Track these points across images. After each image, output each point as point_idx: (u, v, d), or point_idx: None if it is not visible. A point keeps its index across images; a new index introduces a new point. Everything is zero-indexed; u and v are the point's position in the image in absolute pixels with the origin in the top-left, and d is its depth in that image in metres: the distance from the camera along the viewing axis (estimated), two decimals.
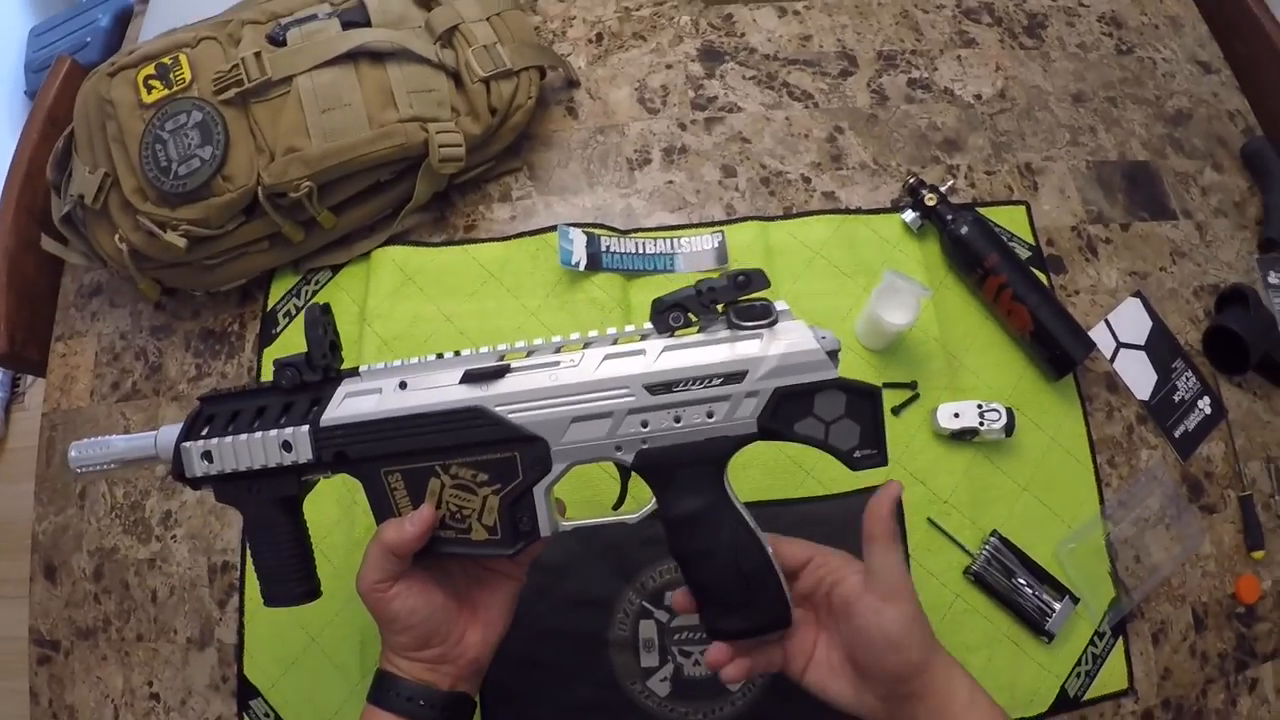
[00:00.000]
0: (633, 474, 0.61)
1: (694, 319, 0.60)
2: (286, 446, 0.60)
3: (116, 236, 0.91)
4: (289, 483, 0.62)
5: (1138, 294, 1.04)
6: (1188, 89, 1.21)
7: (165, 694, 0.88)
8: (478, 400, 0.59)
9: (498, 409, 0.59)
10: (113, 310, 1.04)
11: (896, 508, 0.62)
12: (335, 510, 0.89)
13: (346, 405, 0.61)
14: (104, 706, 0.89)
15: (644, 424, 0.59)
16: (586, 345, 0.61)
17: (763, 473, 0.90)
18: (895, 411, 0.94)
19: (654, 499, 0.61)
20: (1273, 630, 0.93)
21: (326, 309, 0.62)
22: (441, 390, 0.60)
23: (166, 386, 0.99)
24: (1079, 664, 0.87)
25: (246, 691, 0.86)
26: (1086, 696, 0.87)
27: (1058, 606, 0.87)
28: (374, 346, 0.95)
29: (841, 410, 0.59)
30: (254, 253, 0.96)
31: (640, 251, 0.99)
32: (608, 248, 0.98)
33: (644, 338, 0.60)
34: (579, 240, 0.98)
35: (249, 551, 0.64)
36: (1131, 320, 1.03)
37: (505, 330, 0.96)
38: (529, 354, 0.61)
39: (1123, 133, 1.15)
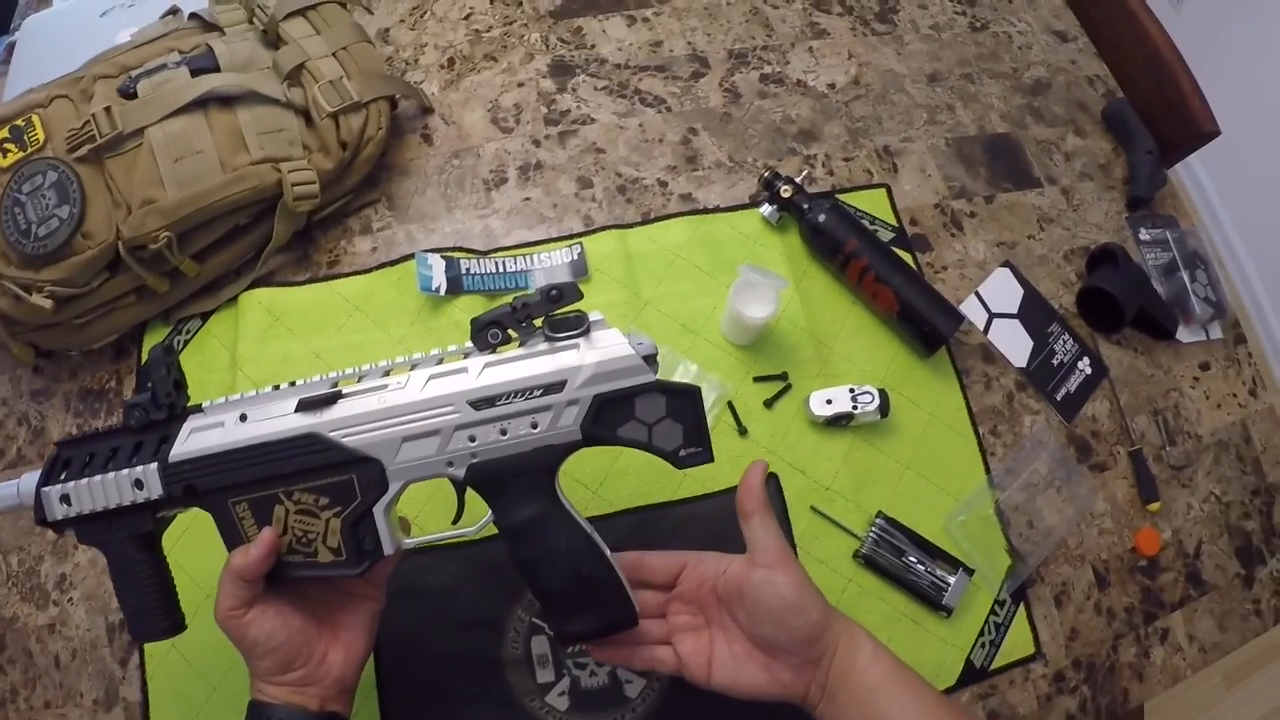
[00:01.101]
0: (468, 487, 0.63)
1: (513, 335, 0.62)
2: (138, 484, 0.62)
3: None
4: (144, 520, 0.63)
5: (1006, 263, 1.06)
6: (1045, 59, 1.23)
7: None
8: (311, 427, 0.61)
9: (331, 434, 0.61)
10: None
11: (766, 483, 0.65)
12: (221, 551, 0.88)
13: (192, 440, 0.62)
14: None
15: (472, 439, 0.61)
16: (413, 367, 0.63)
17: (640, 478, 0.89)
18: (768, 404, 0.94)
19: (490, 510, 0.63)
20: (1178, 579, 0.94)
21: (169, 349, 0.64)
22: (278, 420, 0.61)
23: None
24: (982, 634, 0.88)
25: None
26: (993, 665, 0.87)
27: (952, 580, 0.87)
28: (247, 389, 0.94)
29: (663, 412, 0.61)
30: (122, 307, 0.95)
31: (500, 270, 0.99)
32: (467, 270, 0.98)
33: (466, 355, 0.62)
34: (437, 266, 0.97)
35: (114, 590, 0.65)
36: (1002, 290, 1.04)
37: (373, 360, 0.95)
38: (359, 379, 0.63)
39: (981, 108, 1.16)
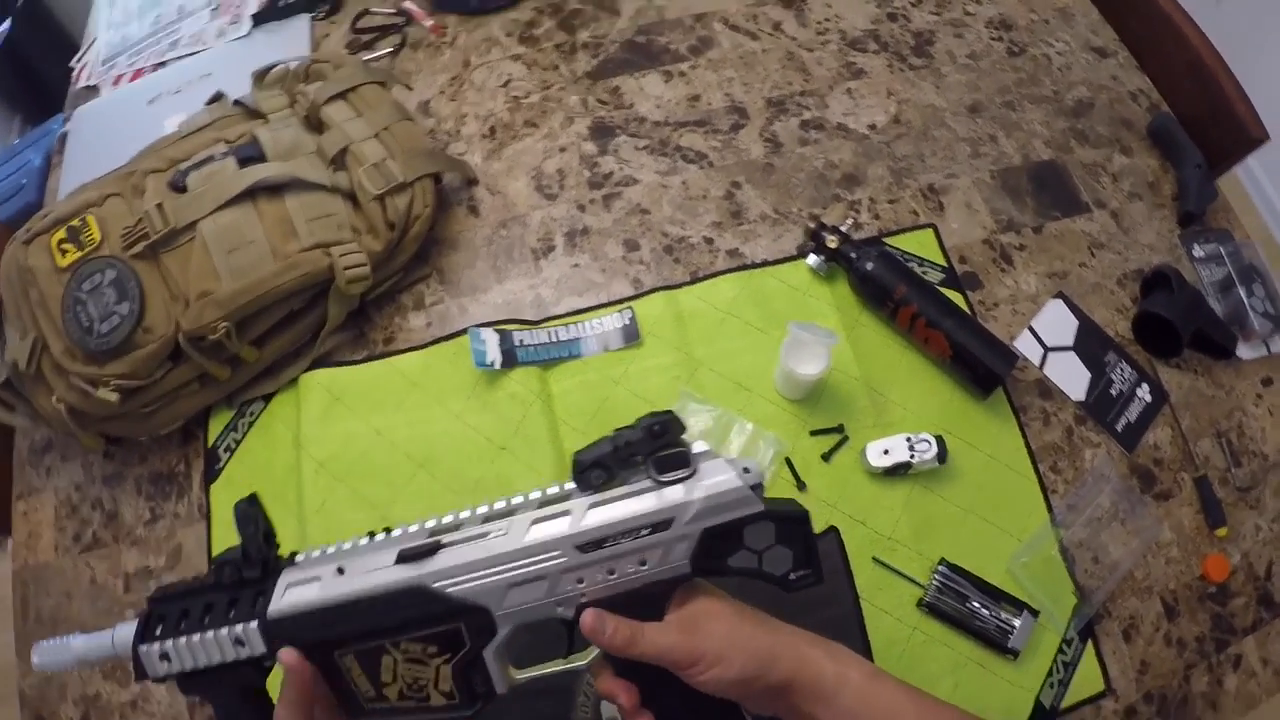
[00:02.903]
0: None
1: (615, 473, 0.61)
2: (239, 642, 0.60)
3: (54, 398, 0.93)
4: (250, 673, 0.62)
5: (1059, 294, 1.05)
6: (1086, 78, 1.21)
7: None
8: (415, 580, 0.59)
9: (435, 585, 0.59)
10: (65, 464, 1.06)
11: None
12: None
13: (289, 596, 0.61)
14: None
15: (579, 580, 0.59)
16: (513, 511, 0.61)
17: None
18: (825, 457, 0.94)
19: None
20: (1249, 603, 0.92)
21: (254, 500, 0.63)
22: (378, 573, 0.60)
23: (125, 532, 1.01)
24: (1050, 675, 0.87)
25: None
26: (1063, 705, 0.86)
27: (1018, 623, 0.87)
28: (311, 470, 0.96)
29: (772, 539, 0.60)
30: (186, 395, 0.98)
31: (553, 340, 1.00)
32: (520, 341, 1.00)
33: (568, 497, 0.61)
34: (491, 340, 0.99)
35: None
36: (1056, 322, 1.04)
37: (433, 436, 0.98)
38: (458, 527, 0.61)
39: (1024, 135, 1.16)
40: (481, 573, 0.59)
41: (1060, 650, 0.88)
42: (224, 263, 0.94)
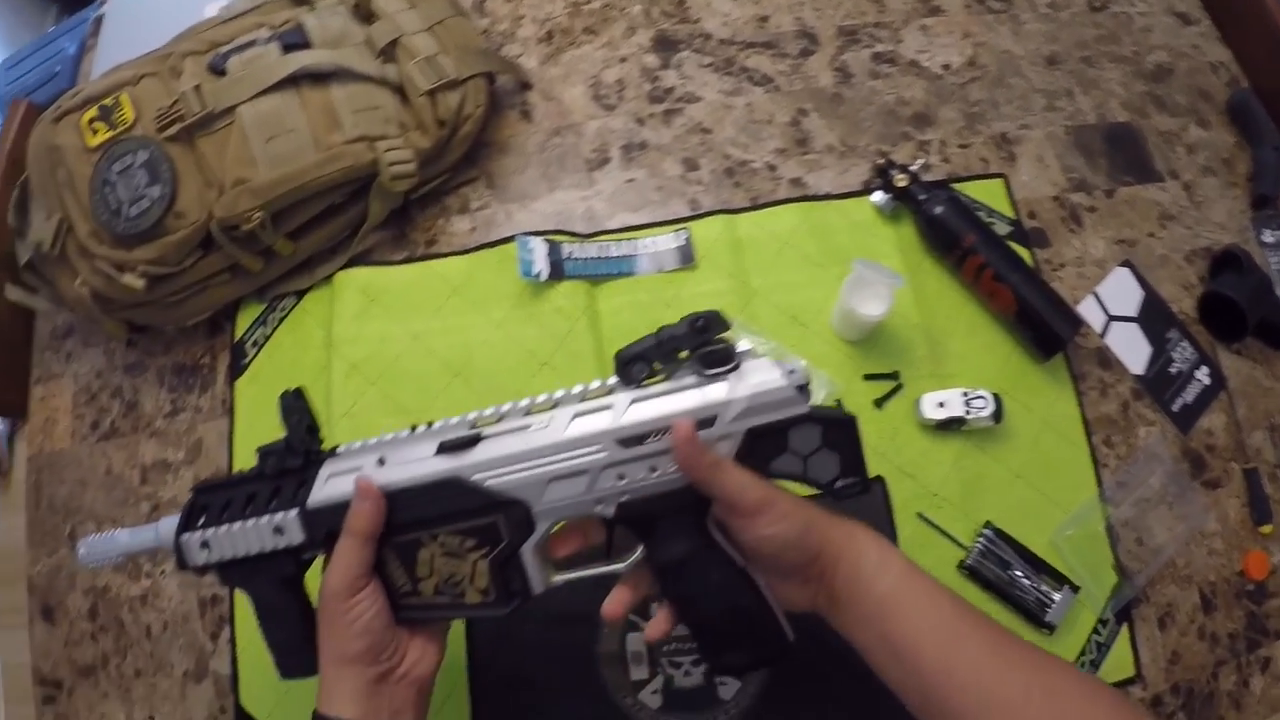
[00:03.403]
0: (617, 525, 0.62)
1: (658, 368, 0.60)
2: (278, 530, 0.62)
3: (78, 281, 0.91)
4: (287, 564, 0.64)
5: (1126, 263, 1.01)
6: (1167, 43, 1.17)
7: None
8: (454, 470, 0.60)
9: (475, 477, 0.59)
10: (87, 350, 1.04)
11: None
12: None
13: (330, 486, 0.62)
14: None
15: (620, 477, 0.59)
16: (555, 405, 0.61)
17: None
18: (878, 404, 0.91)
19: (640, 546, 0.62)
20: None
21: (300, 394, 0.65)
22: (418, 464, 0.61)
23: (144, 423, 0.98)
24: (1083, 654, 0.85)
25: None
26: None
27: (1057, 597, 0.84)
28: (342, 371, 0.93)
29: (818, 442, 0.59)
30: (216, 285, 0.95)
31: (603, 256, 0.97)
32: (569, 254, 0.96)
33: (610, 392, 0.60)
34: (539, 250, 0.95)
35: (259, 629, 0.65)
36: (1122, 291, 1.00)
37: (472, 345, 0.94)
38: (499, 419, 0.61)
39: (1101, 94, 1.11)
40: (521, 465, 0.59)
41: (1095, 630, 0.86)
42: (262, 150, 0.90)
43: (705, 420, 0.58)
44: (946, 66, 1.11)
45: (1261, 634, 0.88)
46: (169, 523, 0.65)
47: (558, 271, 0.95)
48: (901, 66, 1.11)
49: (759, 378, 0.58)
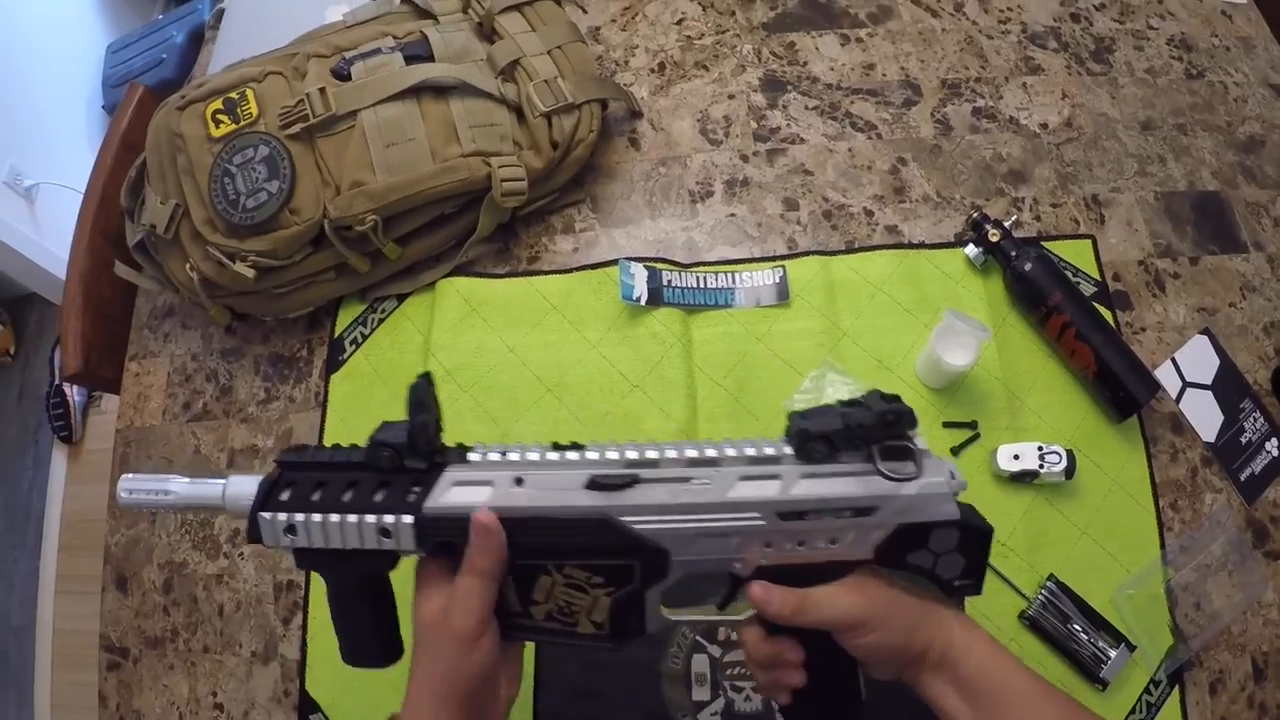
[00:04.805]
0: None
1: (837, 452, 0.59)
2: (385, 533, 0.56)
3: (188, 265, 0.94)
4: (383, 562, 0.59)
5: (1205, 331, 1.02)
6: (1260, 114, 1.18)
7: (229, 704, 0.91)
8: (604, 509, 0.57)
9: (624, 519, 0.57)
10: (185, 332, 1.07)
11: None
12: None
13: (454, 494, 0.57)
14: (169, 713, 0.91)
15: (768, 544, 0.58)
16: (717, 462, 0.59)
17: None
18: (955, 451, 0.93)
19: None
20: None
21: (429, 381, 0.58)
22: (564, 493, 0.57)
23: (236, 409, 1.02)
24: (1133, 712, 0.86)
25: (307, 706, 0.89)
26: None
27: (1113, 654, 0.86)
28: (437, 375, 0.94)
29: (953, 545, 0.59)
30: (321, 282, 0.98)
31: (701, 286, 0.99)
32: (669, 282, 0.99)
33: (779, 460, 0.59)
34: (640, 275, 0.98)
35: (331, 612, 0.62)
36: (1198, 359, 1.01)
37: (566, 362, 0.97)
38: (656, 464, 0.58)
39: (1192, 161, 1.12)
40: (675, 517, 0.57)
41: (1147, 690, 0.87)
42: (381, 156, 0.93)
43: (867, 509, 0.58)
44: (1044, 125, 1.13)
45: None
46: (241, 484, 0.58)
47: (656, 298, 0.98)
48: (1000, 123, 1.13)
49: (925, 479, 0.58)
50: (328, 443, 0.93)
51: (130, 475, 0.60)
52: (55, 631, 1.98)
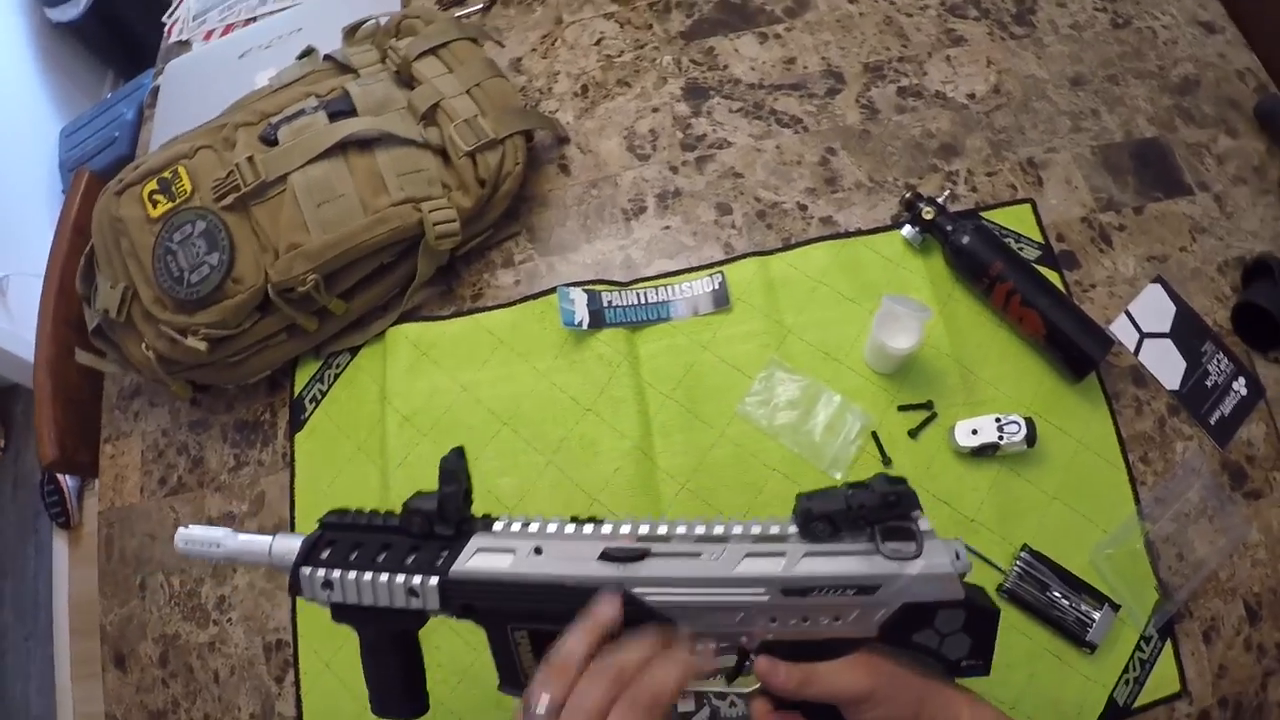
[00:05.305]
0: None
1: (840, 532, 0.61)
2: (413, 593, 0.60)
3: (143, 345, 0.95)
4: (412, 621, 0.63)
5: (1158, 279, 1.02)
6: (1192, 54, 1.17)
7: None
8: (618, 580, 0.59)
9: (636, 590, 0.59)
10: (153, 410, 1.09)
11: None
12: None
13: (478, 560, 0.60)
14: None
15: (772, 619, 0.60)
16: (725, 539, 0.61)
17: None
18: (912, 434, 0.93)
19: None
20: None
21: (460, 454, 0.62)
22: (579, 563, 0.60)
23: (209, 478, 1.03)
24: (1126, 671, 0.86)
25: None
26: (1137, 704, 0.85)
27: (1097, 616, 0.86)
28: (395, 423, 0.98)
29: (959, 625, 0.60)
30: (274, 345, 1.00)
31: (641, 302, 1.00)
32: (609, 303, 1.00)
33: (784, 539, 0.61)
34: (580, 299, 0.99)
35: (361, 664, 0.65)
36: (1154, 307, 1.01)
37: (519, 394, 0.98)
38: (667, 539, 0.61)
39: (1127, 111, 1.12)
40: (685, 590, 0.59)
41: (1138, 647, 0.87)
42: (314, 215, 0.95)
43: (870, 588, 0.59)
44: (971, 96, 1.13)
45: None
46: (285, 543, 0.63)
47: (598, 320, 0.99)
48: (927, 99, 1.13)
49: (930, 559, 0.59)
50: (299, 500, 0.99)
51: (185, 528, 0.65)
52: (76, 716, 2.00)
